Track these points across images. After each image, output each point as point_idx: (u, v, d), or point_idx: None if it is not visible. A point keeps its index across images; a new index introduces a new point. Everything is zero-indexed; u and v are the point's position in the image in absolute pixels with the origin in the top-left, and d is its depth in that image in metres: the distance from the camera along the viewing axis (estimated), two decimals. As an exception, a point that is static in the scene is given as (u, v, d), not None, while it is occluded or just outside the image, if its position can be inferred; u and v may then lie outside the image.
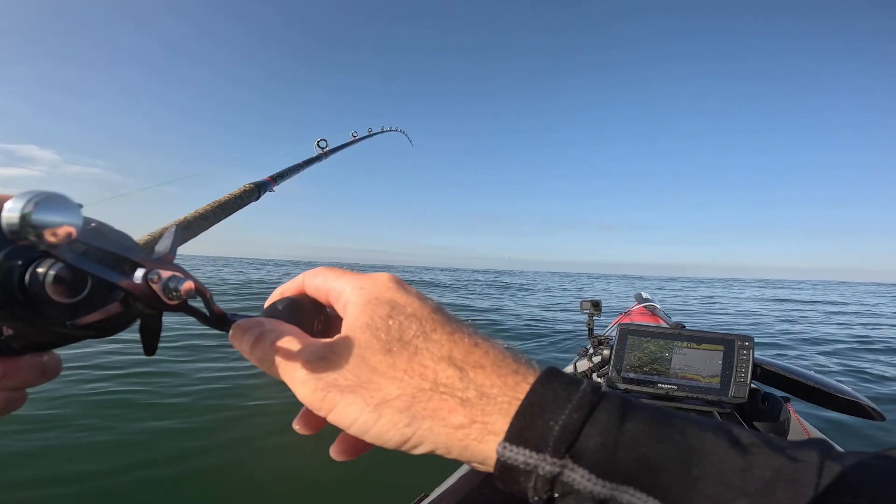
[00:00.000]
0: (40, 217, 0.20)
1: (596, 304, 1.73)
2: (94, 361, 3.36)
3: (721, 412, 1.16)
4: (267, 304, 0.33)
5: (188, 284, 0.27)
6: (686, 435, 0.22)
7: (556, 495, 0.22)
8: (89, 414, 2.52)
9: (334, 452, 0.33)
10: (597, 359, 1.40)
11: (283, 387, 0.28)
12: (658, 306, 2.51)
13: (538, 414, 0.23)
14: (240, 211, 0.78)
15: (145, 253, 0.28)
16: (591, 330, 1.74)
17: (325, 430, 0.32)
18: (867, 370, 4.25)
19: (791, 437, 1.23)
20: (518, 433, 0.23)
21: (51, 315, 0.24)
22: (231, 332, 0.30)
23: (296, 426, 0.33)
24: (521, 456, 0.22)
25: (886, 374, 4.08)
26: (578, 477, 0.21)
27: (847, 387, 1.26)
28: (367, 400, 0.25)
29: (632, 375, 1.23)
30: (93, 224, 0.27)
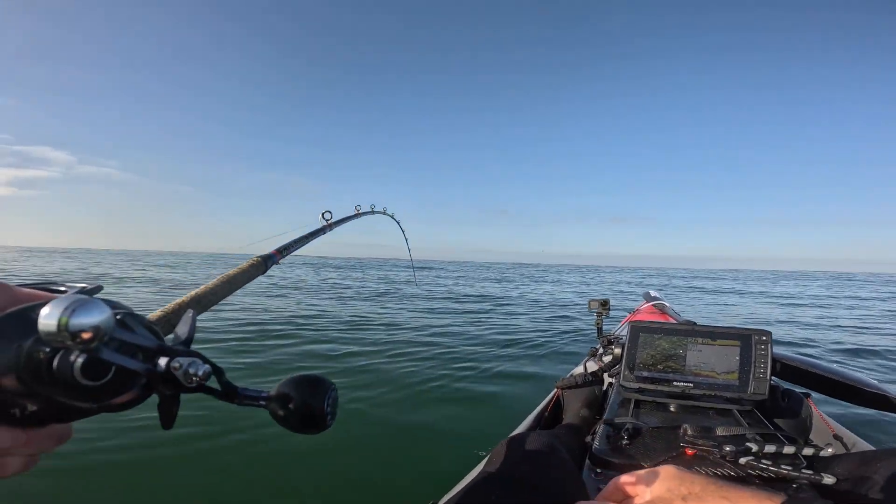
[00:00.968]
0: (76, 322, 0.23)
1: (604, 304, 1.70)
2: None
3: (741, 410, 1.11)
4: None
5: (207, 369, 0.30)
6: None
7: None
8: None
9: None
10: (607, 358, 1.36)
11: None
12: (667, 304, 2.47)
13: None
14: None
15: (163, 338, 0.31)
16: (600, 329, 1.70)
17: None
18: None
19: (814, 433, 1.18)
20: None
21: (76, 396, 0.26)
22: None
23: None
24: None
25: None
26: None
27: (872, 380, 1.21)
28: None
29: (645, 374, 1.18)
30: (119, 316, 0.29)
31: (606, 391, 1.42)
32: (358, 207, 1.55)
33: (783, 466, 0.75)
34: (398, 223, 2.15)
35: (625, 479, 0.53)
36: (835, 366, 1.31)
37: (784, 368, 1.29)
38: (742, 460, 0.78)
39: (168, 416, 0.32)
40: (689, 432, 0.89)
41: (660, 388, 1.16)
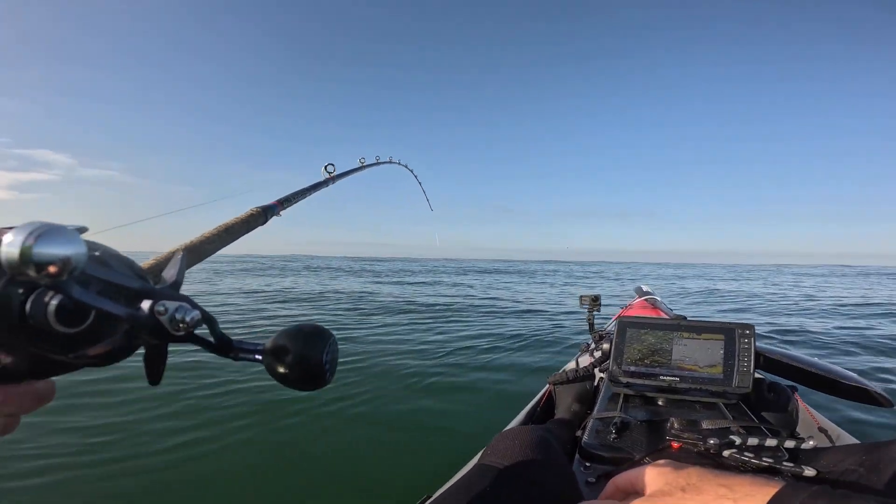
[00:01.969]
0: (41, 251, 0.20)
1: (595, 299, 1.71)
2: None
3: (726, 403, 1.14)
4: None
5: (195, 314, 0.27)
6: None
7: None
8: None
9: None
10: (598, 354, 1.38)
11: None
12: (659, 299, 2.50)
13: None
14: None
15: (152, 282, 0.27)
16: (591, 325, 1.72)
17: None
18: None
19: (800, 427, 1.20)
20: None
21: (52, 345, 0.23)
22: None
23: None
24: None
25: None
26: None
27: (852, 373, 1.23)
28: None
29: (633, 368, 1.21)
30: (97, 253, 0.26)
31: (597, 386, 1.44)
32: (362, 160, 1.39)
33: (765, 459, 0.77)
34: (411, 171, 1.94)
35: (623, 477, 0.54)
36: (816, 359, 1.33)
37: (767, 362, 1.31)
38: (725, 453, 0.81)
39: (155, 370, 0.29)
40: (676, 426, 0.91)
41: (647, 382, 1.18)
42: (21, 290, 0.22)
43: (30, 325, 0.22)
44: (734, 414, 1.08)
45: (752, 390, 1.13)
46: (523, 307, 8.16)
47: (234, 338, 0.30)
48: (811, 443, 0.80)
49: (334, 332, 0.32)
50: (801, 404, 1.24)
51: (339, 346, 0.34)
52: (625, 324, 1.27)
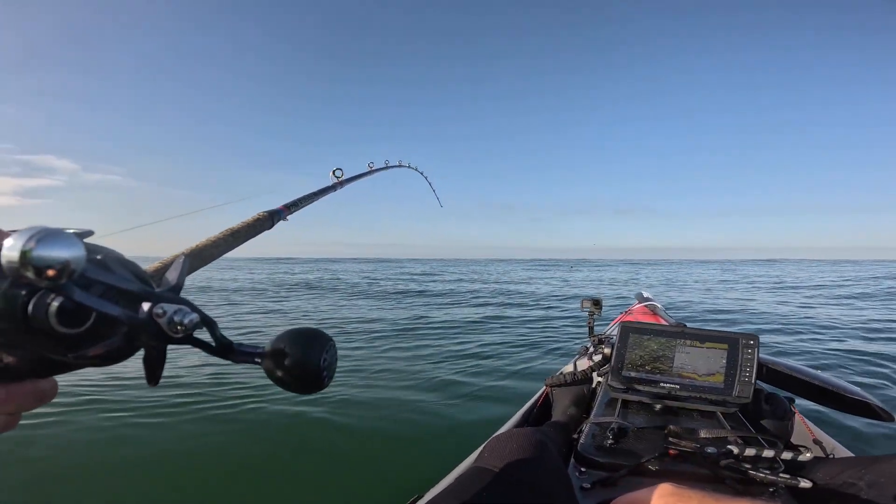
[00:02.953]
0: (41, 254, 0.21)
1: (597, 303, 1.70)
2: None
3: (725, 412, 1.13)
4: None
5: (194, 317, 0.27)
6: None
7: None
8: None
9: None
10: (597, 357, 1.37)
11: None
12: (659, 305, 2.49)
13: None
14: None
15: (152, 285, 0.28)
16: (591, 328, 1.71)
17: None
18: None
19: (795, 437, 1.20)
20: None
21: (53, 345, 0.24)
22: None
23: None
24: None
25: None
26: None
27: (855, 386, 1.23)
28: None
29: (633, 374, 1.20)
30: (98, 256, 0.27)
31: (595, 390, 1.44)
32: (371, 164, 1.41)
33: (762, 470, 0.77)
34: (422, 173, 1.96)
35: (624, 500, 0.53)
36: (819, 371, 1.33)
37: (770, 373, 1.31)
38: (722, 462, 0.80)
39: (153, 371, 0.29)
40: (673, 433, 0.91)
41: (646, 388, 1.18)
42: (24, 292, 0.23)
43: (32, 326, 0.23)
44: (732, 423, 1.08)
45: (751, 400, 1.12)
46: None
47: (234, 340, 0.31)
48: (808, 455, 0.80)
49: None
50: (798, 416, 1.24)
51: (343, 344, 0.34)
52: (628, 329, 1.26)
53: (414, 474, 1.97)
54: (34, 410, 0.29)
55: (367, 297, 10.52)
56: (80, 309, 0.24)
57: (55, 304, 0.23)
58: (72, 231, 0.26)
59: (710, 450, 0.82)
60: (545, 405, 1.47)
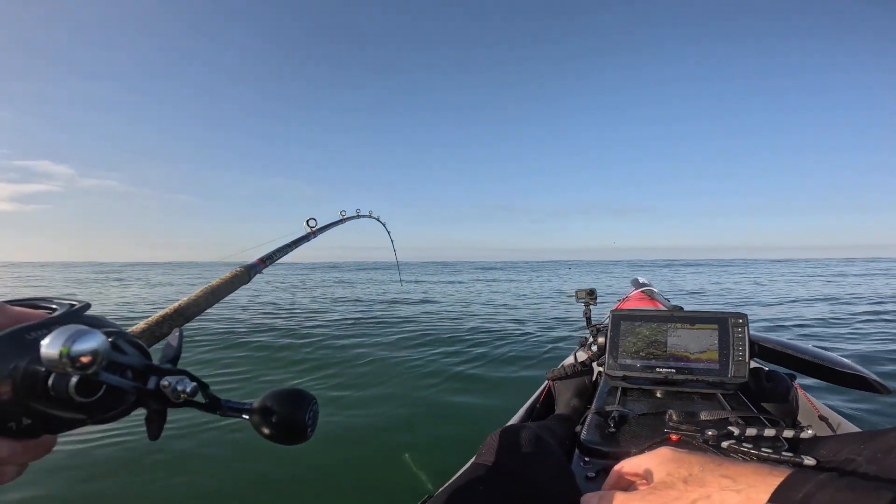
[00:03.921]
0: (76, 350, 0.24)
1: (591, 293, 1.70)
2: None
3: (724, 393, 1.13)
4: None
5: (194, 386, 0.32)
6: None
7: None
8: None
9: None
10: (595, 348, 1.37)
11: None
12: (656, 290, 2.50)
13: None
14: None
15: (150, 355, 0.34)
16: (588, 319, 1.71)
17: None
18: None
19: (801, 415, 1.19)
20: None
21: (69, 410, 0.28)
22: None
23: None
24: None
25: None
26: None
27: (848, 360, 1.23)
28: None
29: (628, 362, 1.20)
30: (110, 339, 0.30)
31: (596, 380, 1.43)
32: (343, 213, 1.55)
33: (764, 449, 0.76)
34: (384, 225, 2.18)
35: (624, 467, 0.53)
36: (811, 346, 1.33)
37: (763, 351, 1.30)
38: (724, 444, 0.80)
39: (155, 429, 0.34)
40: (674, 418, 0.90)
41: (643, 375, 1.17)
42: (44, 368, 0.26)
43: (51, 396, 0.27)
44: (732, 404, 1.07)
45: (750, 380, 1.12)
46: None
47: (222, 398, 0.35)
48: (810, 432, 0.79)
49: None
50: (801, 393, 1.24)
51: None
52: (618, 317, 1.26)
53: (429, 474, 1.96)
54: None
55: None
56: (96, 381, 0.28)
57: (75, 379, 0.27)
58: (78, 307, 0.33)
59: (710, 432, 0.82)
60: (548, 399, 1.46)
